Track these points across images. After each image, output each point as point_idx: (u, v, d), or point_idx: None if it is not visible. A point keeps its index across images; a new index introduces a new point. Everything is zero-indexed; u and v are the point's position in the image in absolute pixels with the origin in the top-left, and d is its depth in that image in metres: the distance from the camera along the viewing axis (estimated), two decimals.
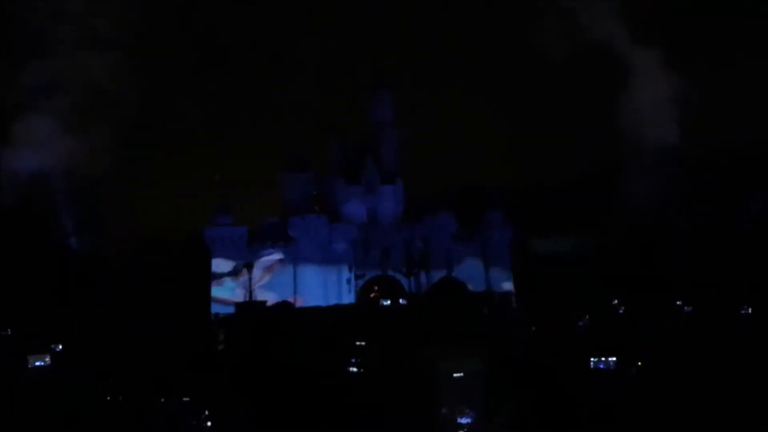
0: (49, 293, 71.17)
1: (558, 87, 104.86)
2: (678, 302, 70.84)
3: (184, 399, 39.87)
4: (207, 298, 79.14)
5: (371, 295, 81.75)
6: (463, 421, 37.88)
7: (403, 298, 78.69)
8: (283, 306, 74.18)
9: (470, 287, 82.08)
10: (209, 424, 38.26)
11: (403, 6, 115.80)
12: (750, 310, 65.14)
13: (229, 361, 52.42)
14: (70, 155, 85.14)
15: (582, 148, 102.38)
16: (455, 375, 39.44)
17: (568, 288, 72.56)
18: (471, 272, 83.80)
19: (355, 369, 50.36)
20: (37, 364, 47.31)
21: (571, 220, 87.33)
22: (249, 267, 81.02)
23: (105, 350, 53.33)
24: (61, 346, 56.08)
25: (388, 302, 76.33)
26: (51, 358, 49.40)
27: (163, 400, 40.10)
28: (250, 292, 79.05)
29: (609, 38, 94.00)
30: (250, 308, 74.04)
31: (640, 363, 44.42)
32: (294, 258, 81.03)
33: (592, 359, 44.16)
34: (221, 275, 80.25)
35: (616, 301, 74.28)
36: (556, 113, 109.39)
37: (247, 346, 55.46)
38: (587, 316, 65.29)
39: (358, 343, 55.36)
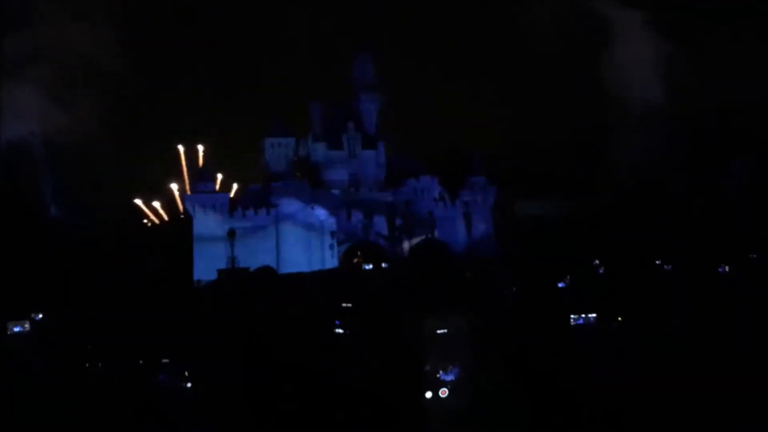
0: (29, 262, 70.22)
1: (543, 48, 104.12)
2: (657, 261, 71.74)
3: (164, 361, 39.66)
4: (189, 265, 78.61)
5: (354, 260, 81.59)
6: (447, 378, 37.91)
7: (385, 262, 78.63)
8: (266, 271, 73.87)
9: (453, 250, 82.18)
10: (189, 385, 38.08)
11: None
12: (727, 269, 66.32)
13: (212, 325, 52.15)
14: (52, 124, 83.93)
15: (565, 110, 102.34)
16: (439, 332, 39.49)
17: (550, 249, 73.03)
18: (454, 235, 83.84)
19: (341, 330, 50.33)
20: (16, 330, 46.85)
21: (553, 182, 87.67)
22: (231, 234, 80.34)
23: (85, 317, 52.88)
24: (41, 315, 55.47)
25: (371, 266, 76.33)
26: (30, 325, 48.90)
27: (141, 362, 39.84)
28: (233, 259, 78.52)
29: None
30: (232, 274, 73.67)
31: (620, 318, 44.96)
32: (276, 224, 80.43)
33: (572, 316, 44.59)
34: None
35: (597, 262, 75.04)
36: (541, 75, 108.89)
37: (230, 310, 55.25)
38: (568, 276, 65.84)
39: (344, 305, 55.30)
